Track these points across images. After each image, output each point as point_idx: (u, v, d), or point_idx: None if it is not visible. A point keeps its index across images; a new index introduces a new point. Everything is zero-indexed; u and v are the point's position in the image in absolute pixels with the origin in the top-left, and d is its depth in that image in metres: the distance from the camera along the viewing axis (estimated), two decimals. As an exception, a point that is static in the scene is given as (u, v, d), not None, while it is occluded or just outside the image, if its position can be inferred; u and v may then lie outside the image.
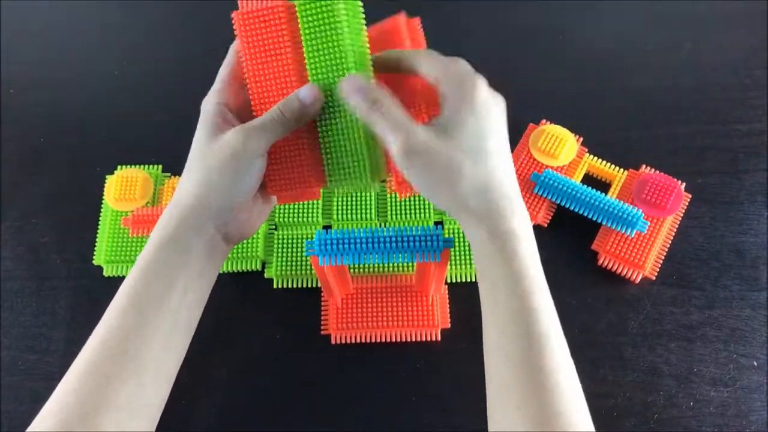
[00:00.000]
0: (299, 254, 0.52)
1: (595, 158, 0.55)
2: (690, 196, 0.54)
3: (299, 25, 0.36)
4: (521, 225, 0.34)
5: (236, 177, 0.35)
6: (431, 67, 0.35)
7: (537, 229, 0.54)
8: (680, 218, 0.54)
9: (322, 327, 0.50)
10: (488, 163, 0.34)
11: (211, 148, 0.35)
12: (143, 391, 0.34)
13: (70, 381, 0.34)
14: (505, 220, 0.33)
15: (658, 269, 0.51)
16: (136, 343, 0.34)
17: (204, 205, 0.36)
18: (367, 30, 0.38)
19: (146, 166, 0.56)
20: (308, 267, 0.51)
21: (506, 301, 0.33)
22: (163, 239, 0.35)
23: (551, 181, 0.52)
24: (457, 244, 0.52)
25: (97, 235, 0.53)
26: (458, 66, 0.35)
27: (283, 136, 0.36)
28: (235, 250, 0.52)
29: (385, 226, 0.53)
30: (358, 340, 0.49)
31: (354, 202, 0.54)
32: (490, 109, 0.35)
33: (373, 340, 0.49)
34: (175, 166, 0.56)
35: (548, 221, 0.54)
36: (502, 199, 0.34)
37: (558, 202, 0.53)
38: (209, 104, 0.37)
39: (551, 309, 0.34)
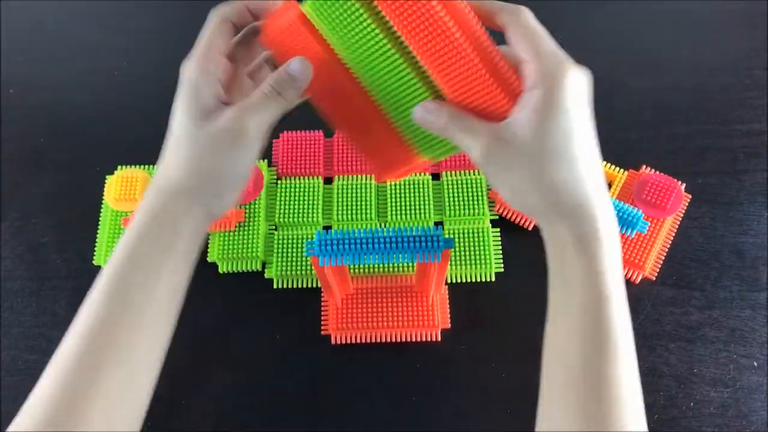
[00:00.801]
0: (299, 254, 0.52)
1: (595, 158, 0.55)
2: (690, 196, 0.54)
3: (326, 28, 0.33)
4: (606, 229, 0.32)
5: (234, 163, 0.33)
6: (521, 43, 0.32)
7: (537, 229, 0.54)
8: (680, 219, 0.54)
9: (322, 327, 0.50)
10: (576, 163, 0.32)
11: (204, 129, 0.33)
12: (132, 379, 0.33)
13: (57, 372, 0.33)
14: (590, 222, 0.32)
15: (658, 270, 0.51)
16: (125, 333, 0.32)
17: (195, 190, 0.34)
18: None
19: (146, 166, 0.56)
20: (308, 267, 0.51)
21: (580, 304, 0.32)
22: (149, 223, 0.33)
23: (551, 182, 0.52)
24: (457, 244, 0.52)
25: (97, 235, 0.53)
26: (549, 48, 0.32)
27: (342, 118, 0.35)
28: (235, 250, 0.52)
29: (385, 226, 0.53)
30: (358, 340, 0.49)
31: (354, 202, 0.54)
32: (583, 104, 0.32)
33: (373, 340, 0.49)
34: (175, 166, 0.56)
35: (548, 221, 0.54)
36: (589, 200, 0.32)
37: (558, 202, 0.53)
38: (194, 73, 0.34)
39: (625, 317, 0.33)
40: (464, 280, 0.52)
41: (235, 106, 0.33)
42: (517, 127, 0.31)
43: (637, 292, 0.51)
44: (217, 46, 0.35)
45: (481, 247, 0.52)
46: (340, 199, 0.54)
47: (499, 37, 0.33)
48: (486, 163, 0.32)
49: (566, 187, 0.32)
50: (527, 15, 0.32)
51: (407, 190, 0.55)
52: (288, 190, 0.55)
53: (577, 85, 0.31)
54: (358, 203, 0.54)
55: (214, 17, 0.36)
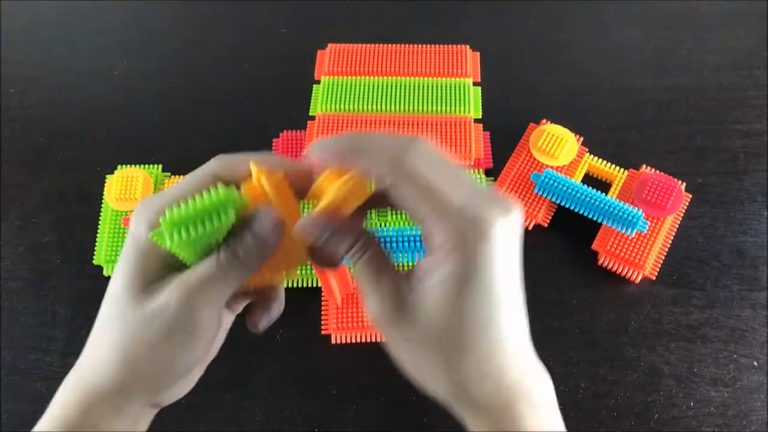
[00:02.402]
0: (299, 254, 0.52)
1: (596, 158, 0.55)
2: (690, 196, 0.54)
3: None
4: (533, 419, 0.26)
5: (176, 356, 0.26)
6: (412, 201, 0.24)
7: (537, 229, 0.54)
8: (680, 218, 0.54)
9: (322, 327, 0.49)
10: (497, 352, 0.25)
11: (138, 310, 0.25)
12: None
13: None
14: (513, 421, 0.25)
15: (658, 269, 0.51)
16: None
17: (124, 388, 0.26)
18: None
19: (146, 165, 0.56)
20: (308, 267, 0.51)
21: None
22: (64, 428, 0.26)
23: (551, 181, 0.52)
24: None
25: (97, 235, 0.53)
26: (456, 198, 0.23)
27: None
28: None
29: (385, 226, 0.53)
30: (359, 340, 0.49)
31: (354, 202, 0.54)
32: (511, 265, 0.25)
33: (374, 340, 0.49)
34: (175, 165, 0.56)
35: (548, 221, 0.54)
36: (513, 394, 0.25)
37: (558, 202, 0.53)
38: (144, 227, 0.26)
39: None
40: (464, 280, 0.51)
41: (178, 279, 0.25)
42: (423, 300, 0.24)
43: (637, 292, 0.51)
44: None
45: (481, 247, 0.52)
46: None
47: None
48: (382, 327, 0.25)
49: (482, 383, 0.25)
50: (412, 155, 0.23)
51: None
52: (288, 189, 0.55)
53: (504, 241, 0.24)
54: (358, 203, 0.54)
55: (209, 165, 0.27)
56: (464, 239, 0.23)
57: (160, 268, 0.26)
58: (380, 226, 0.54)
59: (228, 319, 0.32)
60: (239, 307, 0.33)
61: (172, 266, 0.26)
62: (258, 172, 0.26)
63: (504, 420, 0.25)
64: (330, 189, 0.26)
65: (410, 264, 0.51)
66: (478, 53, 0.61)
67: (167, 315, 0.25)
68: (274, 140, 0.58)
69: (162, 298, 0.25)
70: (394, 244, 0.40)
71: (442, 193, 0.23)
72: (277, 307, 0.32)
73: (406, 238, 0.40)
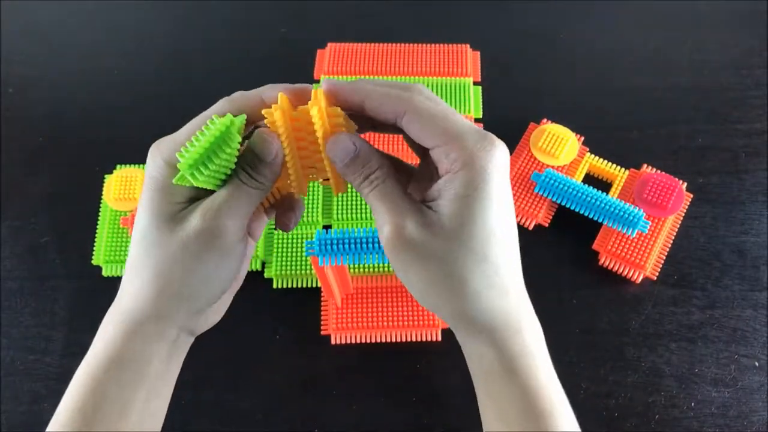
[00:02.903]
0: (299, 254, 0.52)
1: (596, 158, 0.55)
2: (691, 195, 0.54)
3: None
4: (533, 338, 0.29)
5: (211, 274, 0.28)
6: (425, 127, 0.26)
7: (538, 229, 0.54)
8: (681, 218, 0.53)
9: (322, 327, 0.49)
10: (499, 269, 0.27)
11: (169, 236, 0.27)
12: None
13: None
14: (515, 334, 0.28)
15: (659, 269, 0.51)
16: None
17: (164, 312, 0.28)
18: None
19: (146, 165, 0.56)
20: (308, 267, 0.51)
21: (518, 422, 0.28)
22: (112, 355, 0.28)
23: (552, 181, 0.52)
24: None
25: (97, 235, 0.53)
26: (462, 124, 0.26)
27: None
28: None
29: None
30: (358, 340, 0.49)
31: (354, 202, 0.54)
32: (508, 188, 0.27)
33: (373, 340, 0.49)
34: (174, 165, 0.56)
35: (549, 221, 0.54)
36: (512, 310, 0.28)
37: (559, 201, 0.53)
38: (162, 164, 0.28)
39: (572, 420, 0.30)
40: (465, 280, 0.51)
41: (205, 201, 0.28)
42: (439, 214, 0.26)
43: (638, 292, 0.51)
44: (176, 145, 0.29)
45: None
46: (340, 199, 0.54)
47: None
48: (397, 249, 0.27)
49: (488, 299, 0.27)
50: (421, 93, 0.27)
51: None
52: (288, 189, 0.55)
53: (503, 166, 0.27)
54: (358, 203, 0.54)
55: (217, 106, 0.29)
56: (473, 156, 0.26)
57: (182, 200, 0.28)
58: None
59: (251, 246, 0.34)
60: (259, 232, 0.35)
61: (193, 196, 0.29)
62: (283, 100, 0.28)
63: (509, 336, 0.28)
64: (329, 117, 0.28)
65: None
66: (479, 53, 0.61)
67: (200, 236, 0.27)
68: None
69: (193, 223, 0.27)
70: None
71: (450, 121, 0.26)
72: (300, 207, 0.34)
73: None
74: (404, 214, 0.27)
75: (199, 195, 0.29)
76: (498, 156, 0.26)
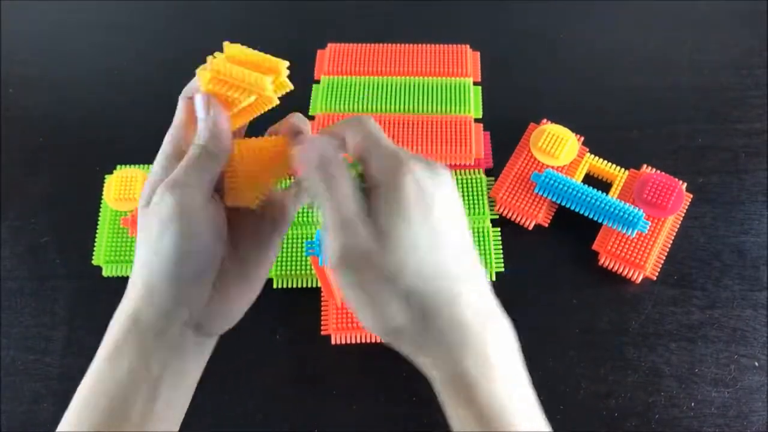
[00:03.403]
0: (299, 254, 0.52)
1: (596, 158, 0.55)
2: (691, 195, 0.54)
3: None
4: (492, 349, 0.28)
5: (185, 251, 0.28)
6: (359, 145, 0.28)
7: (537, 229, 0.54)
8: (681, 218, 0.53)
9: (322, 327, 0.49)
10: (433, 281, 0.27)
11: (148, 227, 0.29)
12: None
13: None
14: (458, 356, 0.27)
15: (659, 269, 0.51)
16: None
17: (160, 308, 0.29)
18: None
19: (146, 165, 0.56)
20: (308, 267, 0.51)
21: None
22: (110, 352, 0.29)
23: (552, 181, 0.52)
24: (457, 244, 0.52)
25: (97, 235, 0.53)
26: (388, 146, 0.28)
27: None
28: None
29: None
30: (358, 340, 0.49)
31: (354, 202, 0.54)
32: (430, 209, 0.27)
33: (373, 340, 0.49)
34: (175, 166, 0.56)
35: (549, 221, 0.54)
36: (455, 327, 0.27)
37: (559, 202, 0.53)
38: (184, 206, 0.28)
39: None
40: (464, 280, 0.51)
41: (161, 184, 0.29)
42: (374, 233, 0.27)
43: (638, 292, 0.51)
44: (178, 150, 0.32)
45: (482, 247, 0.52)
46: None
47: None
48: (339, 267, 0.27)
49: (422, 312, 0.27)
50: (365, 123, 0.29)
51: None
52: (288, 189, 0.55)
53: (420, 184, 0.27)
54: (358, 203, 0.54)
55: (178, 114, 0.33)
56: (389, 171, 0.27)
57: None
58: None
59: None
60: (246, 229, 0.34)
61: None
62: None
63: (453, 355, 0.28)
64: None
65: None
66: (479, 53, 0.61)
67: (162, 214, 0.28)
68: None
69: (153, 203, 0.28)
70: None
71: (379, 140, 0.29)
72: (285, 223, 0.34)
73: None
74: (353, 226, 0.27)
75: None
76: (410, 174, 0.27)
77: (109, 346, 0.29)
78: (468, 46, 0.61)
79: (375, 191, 0.28)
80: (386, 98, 0.57)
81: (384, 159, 0.28)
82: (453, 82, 0.58)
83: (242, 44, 0.37)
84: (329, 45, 0.61)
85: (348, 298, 0.28)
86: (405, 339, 0.29)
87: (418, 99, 0.57)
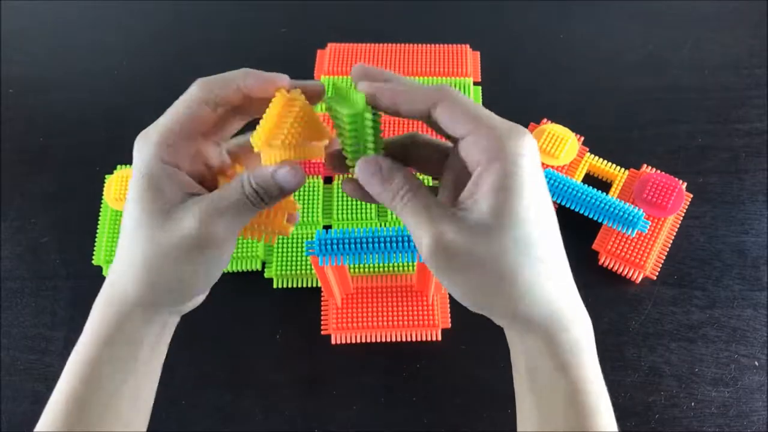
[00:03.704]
0: (299, 254, 0.52)
1: (596, 158, 0.55)
2: (691, 195, 0.54)
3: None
4: (583, 332, 0.29)
5: (201, 273, 0.29)
6: (457, 116, 0.26)
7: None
8: (681, 218, 0.53)
9: (322, 327, 0.49)
10: (546, 262, 0.27)
11: (166, 232, 0.27)
12: None
13: None
14: (566, 329, 0.28)
15: (659, 269, 0.51)
16: None
17: (155, 303, 0.30)
18: None
19: (146, 166, 0.56)
20: (308, 267, 0.51)
21: (563, 417, 0.28)
22: (105, 338, 0.30)
23: (552, 181, 0.52)
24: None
25: (97, 235, 0.53)
26: (493, 116, 0.27)
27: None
28: (235, 250, 0.52)
29: (385, 226, 0.53)
30: (359, 340, 0.49)
31: (354, 202, 0.54)
32: (542, 185, 0.27)
33: (374, 340, 0.49)
34: (175, 166, 0.56)
35: (549, 221, 0.54)
36: (562, 304, 0.28)
37: (559, 201, 0.53)
38: (153, 161, 0.28)
39: (613, 423, 0.29)
40: (465, 280, 0.51)
41: (203, 204, 0.28)
42: (476, 212, 0.26)
43: (638, 292, 0.51)
44: (187, 127, 0.28)
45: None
46: (340, 199, 0.54)
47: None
48: (440, 259, 0.26)
49: (537, 295, 0.27)
50: (453, 90, 0.27)
51: (407, 190, 0.55)
52: (288, 189, 0.55)
53: (533, 154, 0.26)
54: (358, 203, 0.54)
55: (194, 91, 0.29)
56: (503, 144, 0.25)
57: (176, 197, 0.28)
58: (380, 225, 0.53)
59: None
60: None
61: (185, 193, 0.28)
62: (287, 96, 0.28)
63: (559, 329, 0.28)
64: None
65: (411, 264, 0.51)
66: (479, 53, 0.61)
67: (194, 240, 0.27)
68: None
69: (188, 225, 0.27)
70: (394, 244, 0.40)
71: (480, 110, 0.26)
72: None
73: (406, 238, 0.40)
74: (441, 222, 0.26)
75: (195, 189, 0.29)
76: (527, 144, 0.26)
77: (99, 329, 0.30)
78: (468, 46, 0.61)
79: (484, 169, 0.26)
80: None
81: (497, 128, 0.26)
82: (453, 82, 0.58)
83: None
84: (329, 45, 0.61)
85: (448, 288, 0.28)
86: (510, 320, 0.29)
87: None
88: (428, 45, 0.60)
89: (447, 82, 0.58)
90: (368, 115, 0.27)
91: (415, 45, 0.60)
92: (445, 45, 0.61)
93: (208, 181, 0.30)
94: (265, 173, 0.28)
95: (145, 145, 0.28)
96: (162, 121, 0.29)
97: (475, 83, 0.59)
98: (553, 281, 0.27)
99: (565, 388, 0.28)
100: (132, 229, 0.28)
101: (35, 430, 0.30)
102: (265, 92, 0.28)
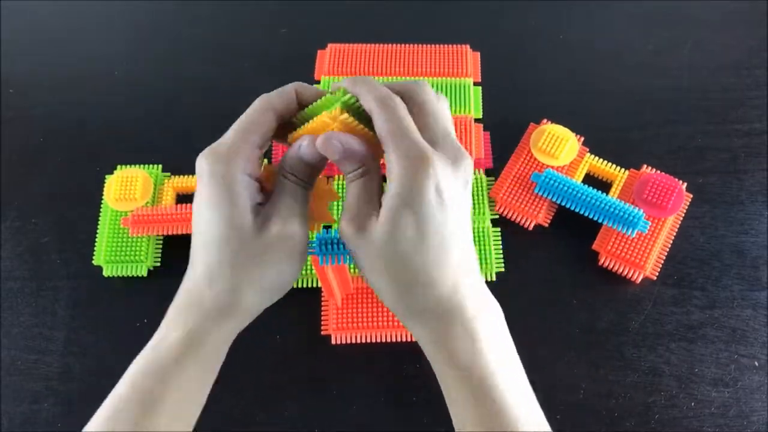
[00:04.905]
0: (299, 254, 0.52)
1: (596, 158, 0.55)
2: (691, 196, 0.54)
3: None
4: (482, 323, 0.31)
5: (286, 268, 0.32)
6: (384, 125, 0.29)
7: (537, 229, 0.54)
8: (681, 218, 0.54)
9: (322, 327, 0.49)
10: (429, 268, 0.30)
11: (253, 242, 0.30)
12: None
13: None
14: (457, 318, 0.30)
15: (659, 269, 0.51)
16: None
17: (241, 305, 0.32)
18: None
19: (146, 165, 0.56)
20: (308, 267, 0.51)
21: (471, 416, 0.30)
22: (188, 344, 0.31)
23: (552, 181, 0.52)
24: (457, 244, 0.52)
25: (97, 236, 0.53)
26: (411, 137, 0.29)
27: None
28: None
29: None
30: (358, 340, 0.49)
31: (354, 202, 0.54)
32: (446, 199, 0.29)
33: (373, 340, 0.49)
34: (174, 166, 0.56)
35: (549, 221, 0.54)
36: (453, 297, 0.30)
37: (559, 202, 0.53)
38: (228, 168, 0.29)
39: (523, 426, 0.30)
40: (464, 280, 0.51)
41: (278, 209, 0.31)
42: (375, 226, 0.29)
43: (637, 292, 0.51)
44: (255, 139, 0.31)
45: (482, 247, 0.52)
46: (340, 199, 0.54)
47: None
48: (349, 243, 0.31)
49: (416, 297, 0.30)
50: (395, 108, 0.30)
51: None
52: (288, 189, 0.55)
53: (439, 180, 0.29)
54: (359, 203, 0.54)
55: (259, 105, 0.32)
56: (409, 166, 0.28)
57: (250, 206, 0.30)
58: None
59: None
60: None
61: (257, 204, 0.31)
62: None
63: (445, 326, 0.30)
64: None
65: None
66: (479, 53, 0.61)
67: (281, 240, 0.30)
68: (274, 141, 0.58)
69: (275, 230, 0.30)
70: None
71: (412, 136, 0.29)
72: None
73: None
74: (358, 216, 0.30)
75: (260, 198, 0.31)
76: (440, 173, 0.29)
77: (186, 342, 0.31)
78: (468, 46, 0.61)
79: (392, 180, 0.29)
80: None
81: (409, 152, 0.29)
82: (453, 82, 0.58)
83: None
84: (329, 45, 0.61)
85: (359, 271, 0.32)
86: (402, 317, 0.32)
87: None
88: (428, 45, 0.60)
89: (447, 82, 0.58)
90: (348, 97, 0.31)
91: (416, 45, 0.60)
92: (445, 45, 0.61)
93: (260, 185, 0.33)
94: (291, 150, 0.32)
95: (217, 153, 0.30)
96: (235, 136, 0.30)
97: (475, 83, 0.59)
98: (437, 287, 0.30)
99: (465, 384, 0.30)
100: (214, 235, 0.30)
101: (90, 428, 0.30)
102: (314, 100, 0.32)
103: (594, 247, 0.52)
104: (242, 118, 0.31)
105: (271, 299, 0.34)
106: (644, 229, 0.50)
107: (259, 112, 0.31)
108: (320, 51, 0.61)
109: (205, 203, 0.30)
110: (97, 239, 0.53)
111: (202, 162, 0.30)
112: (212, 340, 0.32)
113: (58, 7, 0.68)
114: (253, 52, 0.64)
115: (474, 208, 0.54)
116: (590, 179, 0.56)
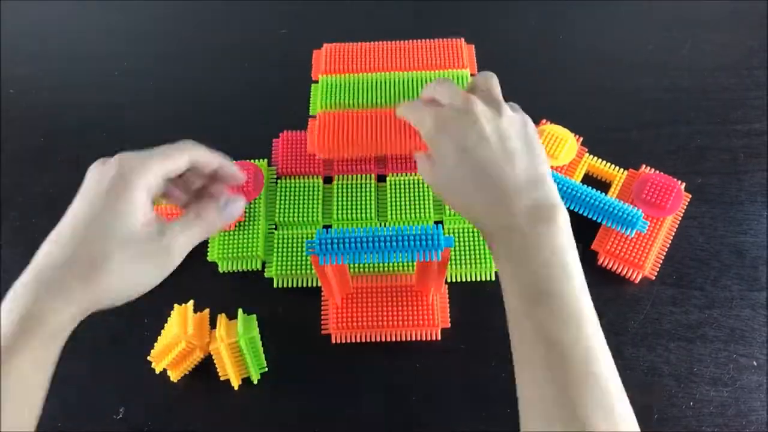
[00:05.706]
0: (299, 254, 0.52)
1: (595, 158, 0.55)
2: (690, 196, 0.54)
3: None
4: (553, 216, 0.36)
5: (148, 277, 0.35)
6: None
7: (537, 229, 0.54)
8: (680, 218, 0.54)
9: (322, 327, 0.50)
10: (497, 185, 0.37)
11: (136, 230, 0.34)
12: None
13: None
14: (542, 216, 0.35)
15: (657, 269, 0.51)
16: None
17: (87, 292, 0.33)
18: None
19: (146, 165, 0.56)
20: (308, 267, 0.51)
21: (535, 278, 0.34)
22: (24, 328, 0.32)
23: (551, 181, 0.52)
24: (457, 243, 0.52)
25: (97, 235, 0.53)
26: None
27: None
28: (235, 250, 0.52)
29: (385, 225, 0.53)
30: (358, 340, 0.49)
31: (354, 202, 0.54)
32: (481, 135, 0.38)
33: (373, 340, 0.49)
34: (175, 165, 0.56)
35: (548, 221, 0.54)
36: (536, 196, 0.36)
37: (558, 202, 0.53)
38: (138, 170, 0.35)
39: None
40: (464, 280, 0.52)
41: (172, 222, 0.35)
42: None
43: (636, 292, 0.51)
44: (167, 165, 0.36)
45: (481, 246, 0.52)
46: (339, 199, 0.54)
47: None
48: (433, 135, 0.40)
49: (495, 209, 0.37)
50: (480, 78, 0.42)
51: (407, 189, 0.55)
52: (288, 189, 0.55)
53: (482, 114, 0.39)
54: (358, 202, 0.54)
55: (185, 148, 0.37)
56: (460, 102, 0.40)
57: (142, 211, 0.34)
58: (380, 225, 0.54)
59: None
60: None
61: (147, 214, 0.35)
62: None
63: (517, 238, 0.35)
64: None
65: (411, 264, 0.51)
66: (473, 46, 0.61)
67: (158, 243, 0.34)
68: (274, 140, 0.58)
69: (154, 228, 0.34)
70: (394, 244, 0.40)
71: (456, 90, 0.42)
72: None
73: (406, 237, 0.40)
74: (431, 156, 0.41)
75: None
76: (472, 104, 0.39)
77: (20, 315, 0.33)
78: (463, 39, 0.61)
79: None
80: (384, 94, 0.56)
81: (458, 95, 0.40)
82: (450, 74, 0.58)
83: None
84: (324, 45, 0.61)
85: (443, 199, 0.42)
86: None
87: (417, 93, 0.57)
88: (423, 41, 0.60)
89: (444, 74, 0.58)
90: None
91: (411, 41, 0.60)
92: (440, 39, 0.60)
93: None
94: (226, 204, 0.40)
95: (132, 158, 0.36)
96: (152, 154, 0.36)
97: (472, 75, 0.59)
98: (520, 174, 0.37)
99: (537, 256, 0.34)
100: (89, 215, 0.34)
101: None
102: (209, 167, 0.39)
103: (593, 247, 0.52)
104: (163, 147, 0.36)
105: (115, 298, 0.35)
106: (643, 229, 0.50)
107: (183, 156, 0.36)
108: (316, 51, 0.61)
109: (95, 186, 0.36)
110: (97, 239, 0.53)
111: (133, 159, 0.35)
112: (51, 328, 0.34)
113: (58, 8, 0.69)
114: (254, 52, 0.64)
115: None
116: (589, 179, 0.57)
